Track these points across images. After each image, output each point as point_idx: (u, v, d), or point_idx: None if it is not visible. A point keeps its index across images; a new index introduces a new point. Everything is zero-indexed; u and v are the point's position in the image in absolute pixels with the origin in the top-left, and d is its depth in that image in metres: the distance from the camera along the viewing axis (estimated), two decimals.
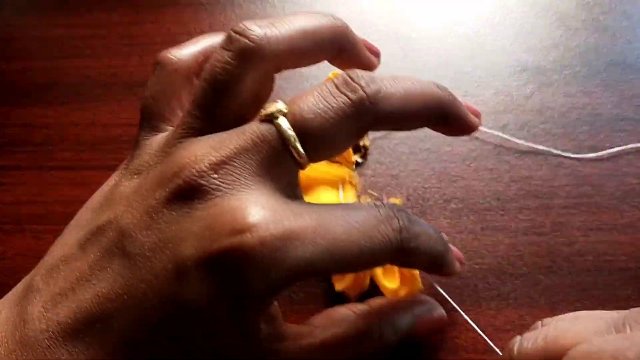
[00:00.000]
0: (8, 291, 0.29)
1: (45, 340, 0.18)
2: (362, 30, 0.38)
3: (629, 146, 0.32)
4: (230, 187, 0.19)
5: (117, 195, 0.21)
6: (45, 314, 0.19)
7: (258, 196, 0.19)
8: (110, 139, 0.35)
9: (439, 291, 0.28)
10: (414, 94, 0.20)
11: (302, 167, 0.20)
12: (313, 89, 0.20)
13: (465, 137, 0.33)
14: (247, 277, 0.18)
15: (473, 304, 0.27)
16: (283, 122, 0.19)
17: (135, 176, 0.21)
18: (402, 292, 0.26)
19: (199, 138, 0.20)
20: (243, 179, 0.19)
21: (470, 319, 0.27)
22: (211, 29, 0.40)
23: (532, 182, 0.31)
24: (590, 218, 0.30)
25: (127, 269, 0.19)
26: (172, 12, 0.41)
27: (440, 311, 0.25)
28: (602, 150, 0.32)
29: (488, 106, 0.34)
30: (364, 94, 0.19)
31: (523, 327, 0.27)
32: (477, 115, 0.24)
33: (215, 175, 0.19)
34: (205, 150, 0.19)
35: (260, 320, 0.19)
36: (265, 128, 0.19)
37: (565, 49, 0.36)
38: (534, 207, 0.30)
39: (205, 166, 0.19)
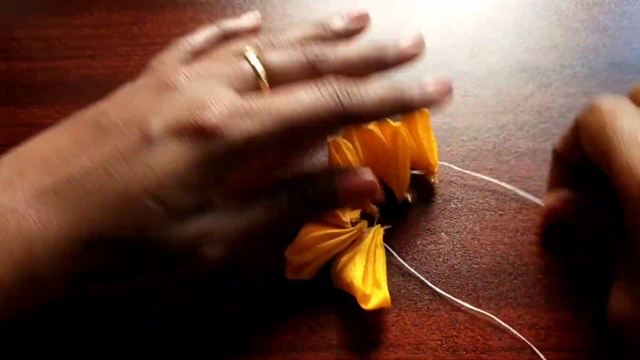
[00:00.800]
0: None
1: (9, 203, 0.20)
2: None
3: None
4: (198, 87, 0.23)
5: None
6: (16, 181, 0.21)
7: (220, 93, 0.23)
8: None
9: (435, 289, 0.28)
10: (354, 48, 0.28)
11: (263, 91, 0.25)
12: (281, 39, 0.28)
13: (464, 137, 0.33)
14: (205, 141, 0.21)
15: (472, 303, 0.27)
16: (254, 60, 0.25)
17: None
18: (375, 298, 0.26)
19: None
20: (213, 86, 0.23)
21: (469, 318, 0.27)
22: None
23: (532, 182, 0.31)
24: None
25: (100, 139, 0.22)
26: (173, 13, 0.41)
27: (368, 176, 0.26)
28: None
29: (488, 106, 0.34)
30: (315, 54, 0.26)
31: (522, 327, 0.27)
32: (417, 39, 0.30)
33: (190, 79, 0.24)
34: (191, 65, 0.25)
35: (223, 183, 0.23)
36: (241, 62, 0.25)
37: (565, 49, 0.36)
38: (534, 207, 0.30)
39: (182, 71, 0.24)
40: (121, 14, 0.41)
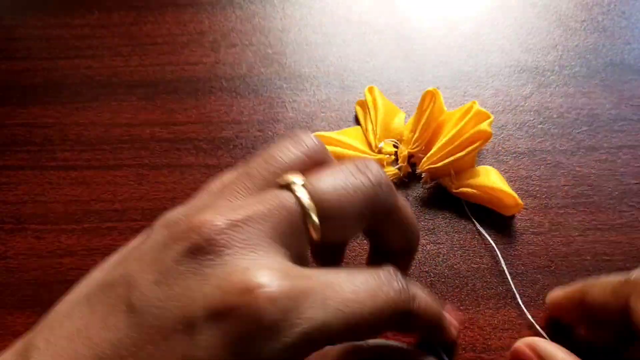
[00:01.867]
0: (9, 290, 0.29)
1: None
2: (362, 30, 0.39)
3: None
4: (242, 247, 0.19)
5: (132, 253, 0.21)
6: None
7: (268, 259, 0.19)
8: (110, 139, 0.35)
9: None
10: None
11: (314, 241, 0.20)
12: (331, 168, 0.21)
13: None
14: (260, 338, 0.17)
15: (472, 303, 0.27)
16: (302, 192, 0.20)
17: (155, 236, 0.21)
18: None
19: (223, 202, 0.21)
20: (256, 241, 0.19)
21: (468, 318, 0.27)
22: (211, 30, 0.40)
23: (531, 182, 0.31)
24: (588, 218, 0.30)
25: (133, 326, 0.18)
26: (172, 13, 0.41)
27: None
28: (601, 150, 0.32)
29: (487, 106, 0.34)
30: (379, 183, 0.21)
31: (522, 326, 0.27)
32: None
33: (230, 233, 0.19)
34: (224, 210, 0.19)
35: None
36: (284, 196, 0.20)
37: (564, 49, 0.36)
38: (532, 207, 0.30)
39: (221, 223, 0.19)
40: (121, 14, 0.41)
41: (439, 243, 0.29)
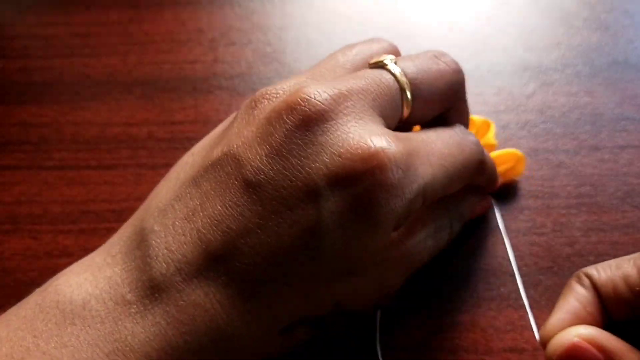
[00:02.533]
0: (5, 292, 0.29)
1: (179, 283, 0.18)
2: (363, 28, 0.38)
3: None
4: (349, 115, 0.20)
5: (231, 131, 0.21)
6: (171, 255, 0.18)
7: (375, 125, 0.20)
8: (108, 138, 0.35)
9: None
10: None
11: (404, 115, 0.22)
12: (410, 55, 0.24)
13: None
14: (385, 198, 0.19)
15: (473, 304, 0.27)
16: (397, 70, 0.22)
17: (253, 111, 0.21)
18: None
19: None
20: (360, 109, 0.20)
21: (470, 319, 0.27)
22: (210, 28, 0.40)
23: (533, 182, 0.31)
24: (591, 218, 0.29)
25: (254, 200, 0.18)
26: (171, 11, 0.41)
27: (489, 198, 0.29)
28: (604, 149, 0.32)
29: (489, 105, 0.34)
30: (456, 70, 0.24)
31: (524, 328, 0.26)
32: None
33: (336, 103, 0.20)
34: (323, 85, 0.20)
35: (394, 239, 0.21)
36: (380, 73, 0.22)
37: (567, 47, 0.36)
38: (535, 208, 0.30)
39: (326, 94, 0.20)
40: (118, 12, 0.41)
41: None
